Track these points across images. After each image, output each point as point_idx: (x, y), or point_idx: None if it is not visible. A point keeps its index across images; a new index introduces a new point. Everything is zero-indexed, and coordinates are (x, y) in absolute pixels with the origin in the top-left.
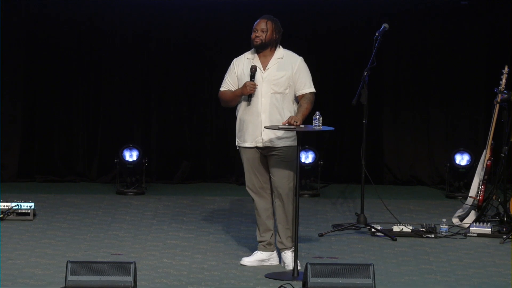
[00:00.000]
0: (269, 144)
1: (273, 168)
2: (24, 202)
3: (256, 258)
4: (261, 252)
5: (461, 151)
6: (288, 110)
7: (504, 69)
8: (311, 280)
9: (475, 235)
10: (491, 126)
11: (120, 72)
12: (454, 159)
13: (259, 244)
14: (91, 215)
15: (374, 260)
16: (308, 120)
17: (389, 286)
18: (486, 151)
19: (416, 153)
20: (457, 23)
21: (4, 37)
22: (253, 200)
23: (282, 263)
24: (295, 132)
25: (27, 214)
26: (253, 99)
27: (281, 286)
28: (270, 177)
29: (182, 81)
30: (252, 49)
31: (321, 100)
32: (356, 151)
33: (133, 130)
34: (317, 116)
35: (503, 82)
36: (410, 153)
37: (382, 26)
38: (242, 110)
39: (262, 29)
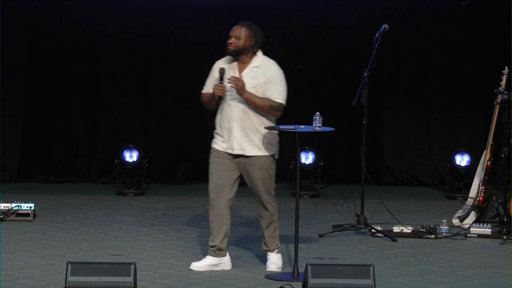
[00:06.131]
0: (240, 152)
1: (248, 176)
2: (24, 202)
3: (205, 263)
4: (211, 257)
5: (461, 151)
6: (260, 118)
7: (504, 69)
8: (311, 281)
9: (475, 235)
10: (491, 126)
11: (120, 73)
12: (454, 160)
13: (209, 249)
14: (91, 215)
15: (374, 261)
16: (308, 120)
17: (389, 287)
18: (486, 152)
19: (416, 153)
20: (457, 24)
21: (4, 37)
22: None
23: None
24: (271, 141)
25: (27, 214)
26: (227, 106)
27: (281, 286)
28: (236, 185)
29: (182, 82)
30: None
31: (321, 101)
32: (356, 151)
33: (133, 130)
34: (317, 117)
35: (503, 83)
36: (410, 153)
37: (382, 27)
38: (219, 114)
39: (236, 36)
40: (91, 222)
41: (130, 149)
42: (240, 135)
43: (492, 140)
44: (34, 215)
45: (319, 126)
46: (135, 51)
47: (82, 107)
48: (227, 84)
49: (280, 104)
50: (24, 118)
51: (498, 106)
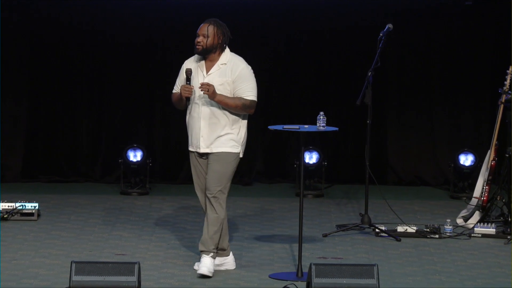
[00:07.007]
0: (207, 150)
1: (208, 169)
2: (28, 202)
3: None
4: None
5: (465, 151)
6: (228, 116)
7: (508, 69)
8: (315, 281)
9: (480, 235)
10: (496, 126)
11: (124, 72)
12: (458, 160)
13: None
14: (95, 215)
15: (378, 261)
16: (312, 120)
17: (393, 287)
18: (491, 152)
19: (420, 153)
20: (461, 24)
21: (8, 37)
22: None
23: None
24: (238, 139)
25: (31, 214)
26: (194, 105)
27: (285, 286)
28: None
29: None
30: None
31: (325, 101)
32: (360, 151)
33: (137, 130)
34: (321, 117)
35: (507, 82)
36: (414, 153)
37: (386, 27)
38: (187, 114)
39: (204, 34)
40: (95, 222)
41: (134, 149)
42: (207, 133)
43: (496, 139)
44: (38, 215)
45: (323, 126)
46: (139, 51)
47: (86, 107)
48: (194, 85)
49: (252, 101)
50: (28, 118)
51: (502, 105)
